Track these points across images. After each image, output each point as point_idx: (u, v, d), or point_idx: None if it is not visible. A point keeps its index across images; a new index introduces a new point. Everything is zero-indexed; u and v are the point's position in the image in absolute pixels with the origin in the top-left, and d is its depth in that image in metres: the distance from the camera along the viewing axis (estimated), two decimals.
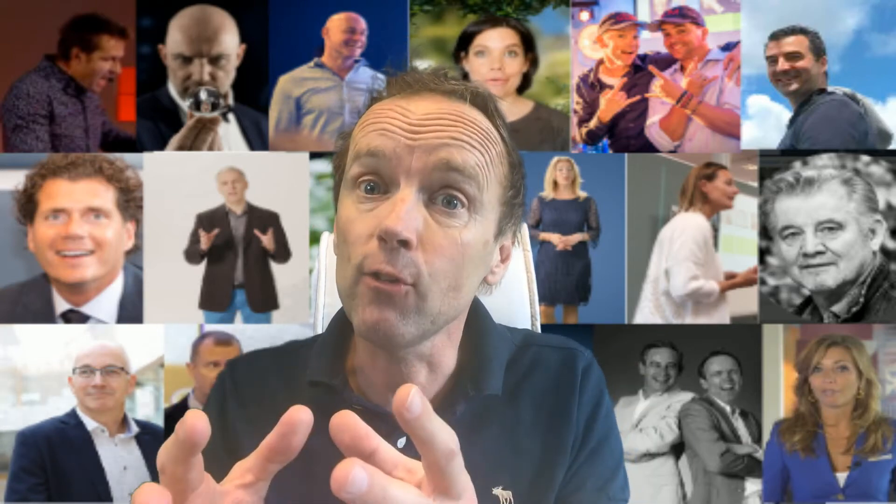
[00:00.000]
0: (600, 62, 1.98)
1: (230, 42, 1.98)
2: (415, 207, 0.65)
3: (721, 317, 1.96)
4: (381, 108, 0.69)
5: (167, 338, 1.94)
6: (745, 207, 1.97)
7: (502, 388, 0.75)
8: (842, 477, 1.86)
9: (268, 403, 0.77)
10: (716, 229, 1.98)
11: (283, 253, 1.97)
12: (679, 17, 1.96)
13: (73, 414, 1.88)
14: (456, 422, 0.73)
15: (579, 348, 0.82)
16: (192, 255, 1.96)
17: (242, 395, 0.78)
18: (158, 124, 1.97)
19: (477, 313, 0.80)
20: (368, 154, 0.66)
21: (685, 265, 1.94)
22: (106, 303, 1.91)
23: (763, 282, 1.94)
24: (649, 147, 1.97)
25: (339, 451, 0.71)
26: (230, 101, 1.98)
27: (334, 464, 0.71)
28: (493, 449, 0.74)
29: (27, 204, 1.86)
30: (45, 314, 1.90)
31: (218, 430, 0.76)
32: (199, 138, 1.94)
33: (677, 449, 1.96)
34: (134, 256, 1.94)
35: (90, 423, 1.87)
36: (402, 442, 0.72)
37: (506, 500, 0.73)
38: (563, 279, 1.99)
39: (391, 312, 0.65)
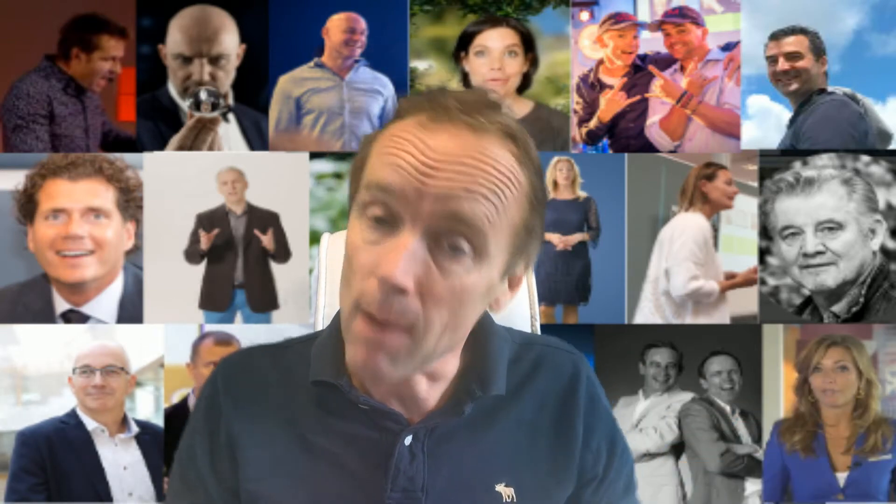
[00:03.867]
0: (600, 62, 1.98)
1: (230, 42, 1.98)
2: (416, 254, 0.63)
3: (721, 317, 1.95)
4: (400, 134, 0.65)
5: (167, 338, 1.94)
6: (745, 207, 1.97)
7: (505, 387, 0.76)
8: (842, 477, 1.86)
9: (265, 401, 0.77)
10: (716, 229, 1.98)
11: (283, 253, 1.97)
12: (679, 17, 1.96)
13: (73, 414, 1.88)
14: (463, 422, 0.74)
15: (576, 351, 0.83)
16: (192, 255, 1.96)
17: (237, 393, 0.78)
18: (158, 124, 1.97)
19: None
20: (378, 188, 0.64)
21: (685, 265, 1.93)
22: (106, 303, 1.91)
23: (763, 282, 1.94)
24: (649, 147, 1.97)
25: (345, 450, 0.72)
26: (230, 101, 1.97)
27: (340, 462, 0.71)
28: (496, 447, 0.75)
29: (27, 204, 1.86)
30: (45, 314, 1.90)
31: (204, 439, 0.78)
32: (199, 138, 1.94)
33: (677, 449, 1.96)
34: (134, 256, 1.94)
35: (90, 423, 1.87)
36: (409, 440, 0.72)
37: (509, 496, 0.73)
38: (563, 279, 1.98)
39: (381, 357, 0.65)
